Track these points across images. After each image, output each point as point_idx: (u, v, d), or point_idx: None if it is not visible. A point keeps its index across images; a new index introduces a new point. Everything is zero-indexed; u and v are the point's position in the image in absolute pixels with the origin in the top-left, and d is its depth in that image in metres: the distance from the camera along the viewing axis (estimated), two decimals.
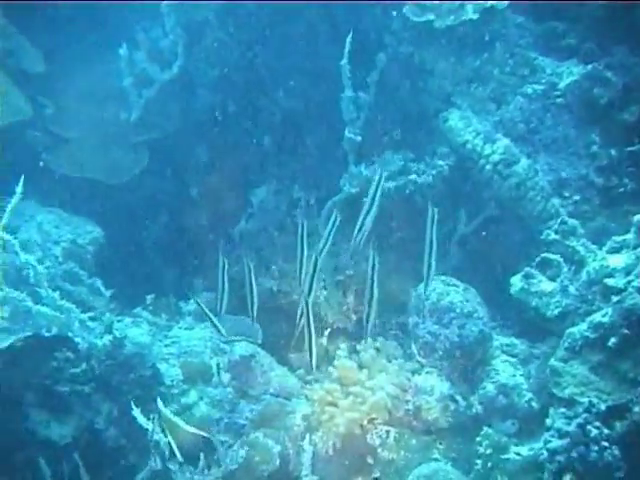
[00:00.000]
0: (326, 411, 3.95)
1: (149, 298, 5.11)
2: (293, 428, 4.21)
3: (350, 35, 4.47)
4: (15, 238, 4.14)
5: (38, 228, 4.94)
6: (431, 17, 4.53)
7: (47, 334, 4.08)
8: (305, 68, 4.99)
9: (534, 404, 3.91)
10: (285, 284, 5.13)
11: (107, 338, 4.19)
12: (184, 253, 5.68)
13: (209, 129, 5.32)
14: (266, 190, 5.22)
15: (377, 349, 4.22)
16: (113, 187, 5.26)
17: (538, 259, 4.17)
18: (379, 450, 3.87)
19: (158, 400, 3.98)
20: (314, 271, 3.51)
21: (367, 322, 3.44)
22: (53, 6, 5.28)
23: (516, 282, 4.16)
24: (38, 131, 5.22)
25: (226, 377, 4.47)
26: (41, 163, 5.22)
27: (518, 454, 3.76)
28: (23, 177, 3.82)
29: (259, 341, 4.82)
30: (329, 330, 4.92)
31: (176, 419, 3.94)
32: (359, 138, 4.75)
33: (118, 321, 4.73)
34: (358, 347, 4.19)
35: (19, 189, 3.72)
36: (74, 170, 5.11)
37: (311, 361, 3.43)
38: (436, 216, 3.30)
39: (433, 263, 3.33)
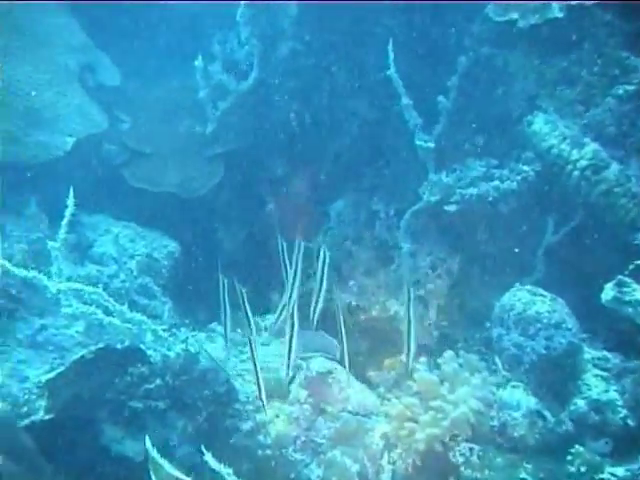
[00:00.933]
0: (405, 427, 3.96)
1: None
2: (372, 446, 4.25)
3: (391, 42, 4.56)
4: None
5: (114, 242, 5.18)
6: (514, 16, 4.53)
7: (119, 346, 4.26)
8: (383, 76, 5.05)
9: (630, 422, 3.81)
10: (364, 299, 5.25)
11: (181, 353, 4.31)
12: (260, 268, 5.81)
13: (285, 141, 5.43)
14: (344, 203, 5.34)
15: (459, 363, 4.23)
16: (188, 201, 5.45)
17: (632, 266, 4.07)
18: (462, 468, 3.82)
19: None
20: None
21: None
22: (130, 21, 5.58)
23: (608, 291, 4.05)
24: (114, 144, 5.47)
25: (303, 394, 4.57)
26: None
27: (614, 475, 3.66)
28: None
29: (337, 357, 4.92)
30: None
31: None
32: (432, 145, 4.81)
33: (192, 336, 4.88)
34: (439, 360, 4.19)
35: (70, 200, 3.84)
36: (150, 184, 5.31)
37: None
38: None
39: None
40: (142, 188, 5.30)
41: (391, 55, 4.58)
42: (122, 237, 5.15)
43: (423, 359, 4.18)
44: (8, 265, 3.64)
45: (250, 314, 3.98)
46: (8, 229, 4.90)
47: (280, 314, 3.98)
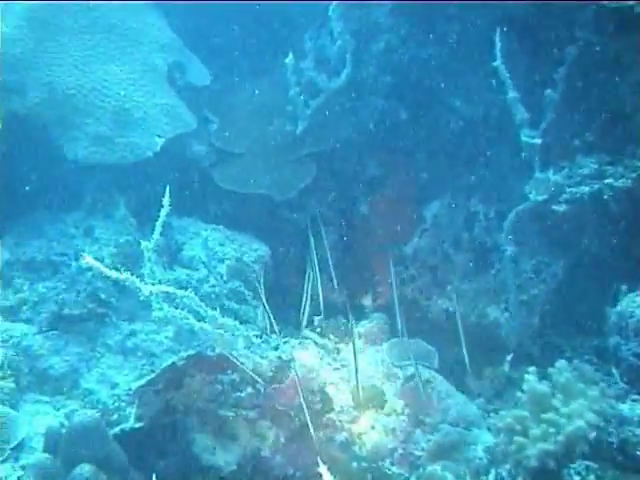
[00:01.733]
0: (515, 441, 3.76)
1: (317, 319, 5.14)
2: (475, 461, 4.08)
3: (498, 32, 4.34)
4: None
5: (203, 245, 5.12)
6: (630, 3, 4.28)
7: (211, 353, 4.18)
8: (484, 70, 4.84)
9: None
10: (462, 304, 5.05)
11: (274, 360, 4.19)
12: (353, 272, 5.66)
13: (380, 140, 5.29)
14: (440, 204, 5.16)
15: (573, 373, 3.98)
16: (279, 203, 5.36)
17: None
18: None
19: None
20: None
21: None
22: (219, 18, 5.52)
23: None
24: (203, 145, 5.38)
25: (400, 404, 4.40)
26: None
27: None
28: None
29: (435, 365, 4.74)
30: (511, 355, 4.80)
31: None
32: (538, 141, 4.56)
33: (284, 343, 4.77)
34: (550, 370, 3.95)
35: (166, 201, 3.75)
36: (239, 186, 5.23)
37: None
38: None
39: None
40: (231, 190, 5.24)
41: (498, 44, 4.38)
42: (211, 240, 5.09)
43: (532, 368, 4.00)
44: (101, 266, 3.55)
45: None
46: (97, 232, 4.92)
47: None
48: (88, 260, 3.50)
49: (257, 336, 4.33)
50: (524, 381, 3.86)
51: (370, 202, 5.38)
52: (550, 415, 3.70)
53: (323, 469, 3.11)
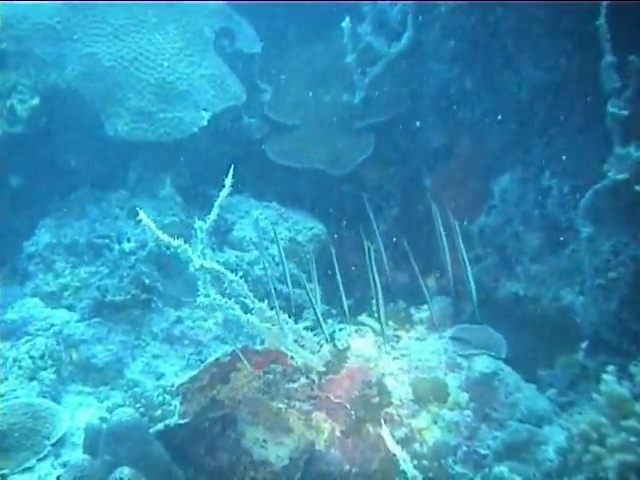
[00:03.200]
0: (590, 451, 3.47)
1: (374, 303, 4.91)
2: (545, 463, 3.81)
3: None
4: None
5: (254, 225, 4.93)
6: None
7: (259, 347, 3.97)
8: (559, 30, 4.45)
9: None
10: (533, 288, 4.77)
11: (327, 349, 3.97)
12: (416, 251, 5.40)
13: (443, 109, 4.97)
14: (510, 178, 4.80)
15: None
16: (336, 178, 5.10)
17: None
18: None
19: None
20: None
21: None
22: None
23: None
24: (254, 117, 5.19)
25: (464, 397, 4.15)
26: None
27: None
28: (233, 167, 3.64)
29: (503, 355, 4.46)
30: (586, 342, 4.50)
31: None
32: (625, 113, 4.19)
33: (340, 330, 4.55)
34: (632, 369, 3.63)
35: (228, 181, 3.52)
36: (293, 160, 4.98)
37: None
38: None
39: None
40: (285, 164, 5.02)
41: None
42: (263, 220, 4.91)
43: (611, 367, 3.69)
44: (157, 232, 3.34)
45: None
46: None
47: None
48: (142, 217, 3.31)
49: (308, 328, 4.18)
50: (601, 381, 3.61)
51: (434, 175, 5.12)
52: (631, 422, 3.40)
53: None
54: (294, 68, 5.41)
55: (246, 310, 3.76)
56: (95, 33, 4.62)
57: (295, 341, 3.80)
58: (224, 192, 3.67)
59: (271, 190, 5.13)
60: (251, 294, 3.65)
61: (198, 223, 3.75)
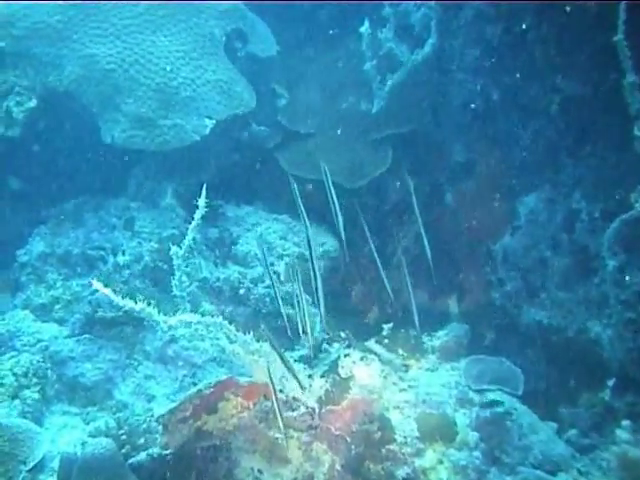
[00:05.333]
0: None
1: (386, 328, 4.71)
2: None
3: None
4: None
5: (260, 239, 4.75)
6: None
7: (242, 380, 3.74)
8: (592, 41, 4.18)
9: None
10: (558, 317, 4.54)
11: (319, 384, 3.78)
12: (436, 269, 5.20)
13: (467, 122, 4.73)
14: (537, 198, 4.57)
15: None
16: (351, 191, 4.93)
17: None
18: None
19: None
20: None
21: None
22: None
23: None
24: (264, 125, 4.97)
25: (474, 437, 3.94)
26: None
27: None
28: (205, 186, 3.51)
29: (519, 392, 4.24)
30: (613, 380, 4.26)
31: None
32: None
33: (345, 356, 4.37)
34: None
35: (202, 199, 3.38)
36: (306, 171, 4.75)
37: None
38: None
39: None
40: (297, 175, 4.76)
41: (622, 16, 3.73)
42: (271, 233, 4.68)
43: (625, 422, 3.44)
44: (112, 295, 3.25)
45: None
46: (139, 225, 4.58)
47: None
48: (96, 286, 3.25)
49: (301, 359, 4.01)
50: (615, 439, 3.38)
51: (456, 192, 4.87)
52: None
53: None
54: (311, 73, 5.21)
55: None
56: (96, 33, 4.46)
57: (284, 376, 3.69)
58: (197, 214, 3.57)
59: (282, 202, 5.03)
60: (233, 329, 3.54)
61: (173, 249, 3.65)
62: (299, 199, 3.31)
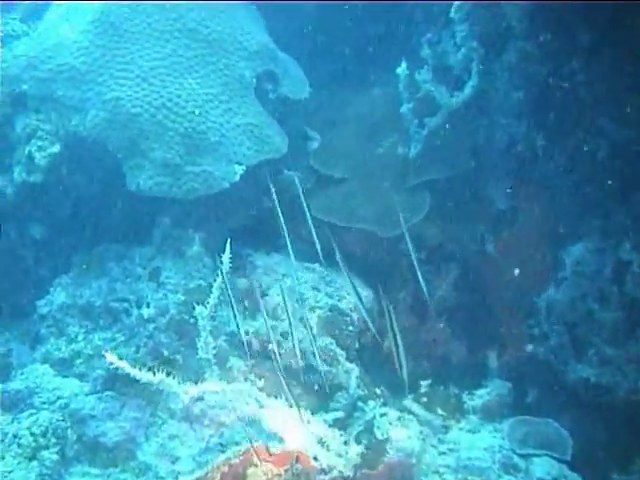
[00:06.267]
0: None
1: (424, 385, 4.54)
2: None
3: None
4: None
5: (291, 290, 4.55)
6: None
7: (273, 447, 3.45)
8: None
9: None
10: (607, 375, 4.33)
11: (356, 451, 3.60)
12: (476, 321, 5.02)
13: (510, 167, 4.55)
14: (584, 248, 4.38)
15: None
16: (386, 240, 4.74)
17: None
18: None
19: None
20: None
21: None
22: (319, 14, 4.98)
23: None
24: (298, 170, 4.80)
25: None
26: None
27: None
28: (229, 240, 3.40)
29: (568, 457, 4.04)
30: None
31: None
32: None
33: (381, 415, 4.19)
34: None
35: (226, 255, 3.26)
36: (340, 218, 4.59)
37: None
38: None
39: None
40: (330, 222, 4.59)
41: None
42: (302, 284, 4.49)
43: None
44: (128, 367, 3.14)
45: None
46: (164, 275, 4.37)
47: None
48: (110, 359, 3.15)
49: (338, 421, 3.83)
50: None
51: (497, 240, 4.68)
52: None
53: None
54: (344, 115, 5.04)
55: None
56: (122, 76, 4.29)
57: (319, 441, 3.52)
58: (224, 268, 3.45)
59: (314, 250, 4.87)
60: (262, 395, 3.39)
61: (198, 309, 3.52)
62: (340, 255, 3.16)
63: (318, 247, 3.40)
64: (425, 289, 3.32)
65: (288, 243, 3.31)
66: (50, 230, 4.73)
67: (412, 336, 4.88)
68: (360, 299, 3.79)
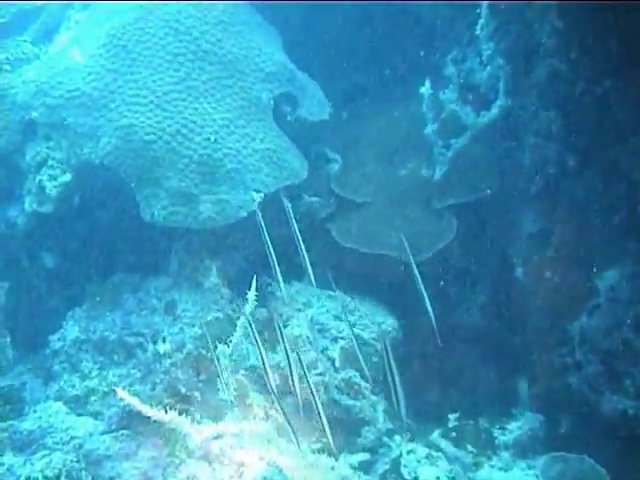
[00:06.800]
0: None
1: (452, 418, 4.39)
2: None
3: None
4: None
5: (312, 320, 4.41)
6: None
7: None
8: None
9: None
10: None
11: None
12: (505, 347, 4.86)
13: (540, 189, 4.34)
14: (619, 273, 4.17)
15: None
16: (411, 265, 4.61)
17: None
18: None
19: None
20: None
21: None
22: (338, 31, 4.85)
23: None
24: (317, 196, 4.64)
25: None
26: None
27: None
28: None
29: None
30: None
31: None
32: None
33: (408, 452, 4.05)
34: None
35: (251, 293, 3.14)
36: (362, 244, 4.42)
37: None
38: None
39: None
40: (352, 248, 4.50)
41: None
42: (324, 313, 4.34)
43: None
44: (140, 406, 3.05)
45: None
46: (181, 308, 4.24)
47: None
48: (122, 395, 3.07)
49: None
50: None
51: (527, 265, 4.49)
52: None
53: None
54: (366, 136, 4.89)
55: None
56: (134, 101, 4.15)
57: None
58: (248, 308, 3.33)
59: (336, 277, 4.71)
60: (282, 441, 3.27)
61: (220, 347, 3.39)
62: None
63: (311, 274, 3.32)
64: (432, 315, 3.24)
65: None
66: (63, 259, 4.62)
67: (437, 363, 4.80)
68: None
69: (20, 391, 4.47)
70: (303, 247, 3.29)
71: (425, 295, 3.14)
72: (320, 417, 3.12)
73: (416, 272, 3.18)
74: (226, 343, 3.58)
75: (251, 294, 3.42)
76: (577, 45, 4.01)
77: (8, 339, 4.72)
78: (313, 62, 5.14)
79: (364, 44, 5.24)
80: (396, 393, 2.90)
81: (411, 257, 3.20)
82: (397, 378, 2.93)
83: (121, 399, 3.20)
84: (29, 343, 4.81)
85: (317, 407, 3.11)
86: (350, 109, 5.15)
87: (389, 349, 2.96)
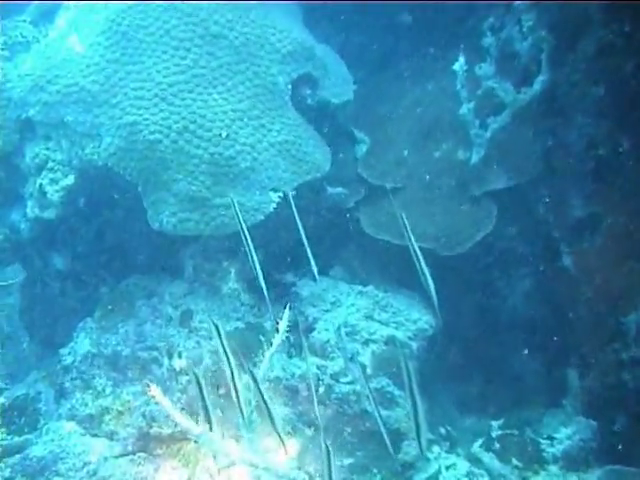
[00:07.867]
0: None
1: (495, 425, 4.12)
2: None
3: None
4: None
5: (342, 322, 4.07)
6: None
7: None
8: None
9: None
10: None
11: None
12: (551, 336, 4.56)
13: (589, 171, 3.96)
14: None
15: None
16: (448, 258, 4.22)
17: None
18: None
19: None
20: None
21: None
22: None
23: None
24: (344, 178, 4.30)
25: None
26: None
27: None
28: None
29: None
30: None
31: None
32: None
33: (447, 468, 3.80)
34: None
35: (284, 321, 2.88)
36: (394, 235, 4.07)
37: None
38: None
39: None
40: (384, 239, 4.16)
41: None
42: (354, 313, 4.01)
43: None
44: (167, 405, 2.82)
45: None
46: (197, 320, 3.99)
47: None
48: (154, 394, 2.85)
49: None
50: None
51: (576, 253, 4.14)
52: None
53: None
54: (397, 114, 4.51)
55: None
56: (137, 95, 3.81)
57: None
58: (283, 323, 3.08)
59: (368, 271, 4.45)
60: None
61: (247, 375, 3.14)
62: None
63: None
64: (436, 303, 2.96)
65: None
66: (72, 262, 4.38)
67: (479, 349, 4.54)
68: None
69: (35, 402, 4.32)
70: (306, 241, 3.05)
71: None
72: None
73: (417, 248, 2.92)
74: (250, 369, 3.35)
75: (282, 326, 3.16)
76: (630, 17, 3.70)
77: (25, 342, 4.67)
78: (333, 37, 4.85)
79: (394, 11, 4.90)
80: (417, 424, 2.65)
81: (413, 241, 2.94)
82: (420, 408, 2.69)
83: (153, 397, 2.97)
84: (46, 343, 4.68)
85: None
86: (375, 81, 4.75)
87: (413, 377, 2.72)
